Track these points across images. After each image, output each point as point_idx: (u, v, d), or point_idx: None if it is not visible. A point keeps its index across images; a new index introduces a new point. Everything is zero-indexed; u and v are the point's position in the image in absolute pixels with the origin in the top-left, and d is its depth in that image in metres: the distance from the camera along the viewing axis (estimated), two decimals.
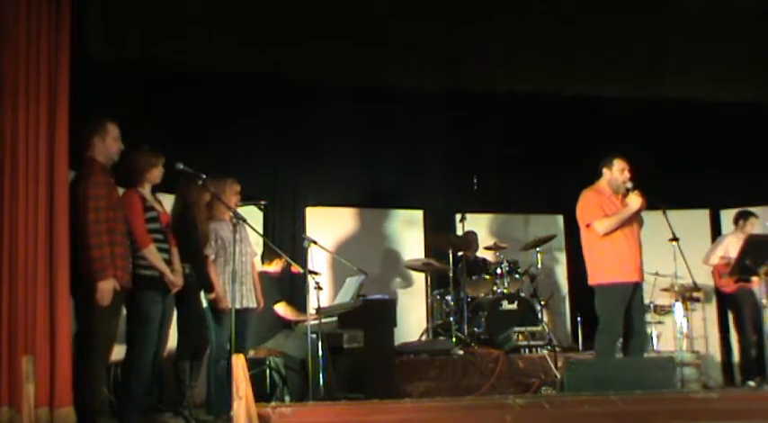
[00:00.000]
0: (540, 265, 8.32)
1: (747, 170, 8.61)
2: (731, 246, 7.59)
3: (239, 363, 4.19)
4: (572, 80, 8.53)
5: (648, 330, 7.93)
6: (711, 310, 8.84)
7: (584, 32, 7.39)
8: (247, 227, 5.73)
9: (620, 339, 6.06)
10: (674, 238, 6.69)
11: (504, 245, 8.34)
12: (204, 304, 5.65)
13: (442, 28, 7.26)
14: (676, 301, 7.95)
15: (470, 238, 8.36)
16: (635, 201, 5.93)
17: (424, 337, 8.00)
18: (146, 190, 5.20)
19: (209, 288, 5.60)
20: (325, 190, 8.56)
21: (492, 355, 7.04)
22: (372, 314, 6.41)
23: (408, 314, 8.26)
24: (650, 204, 6.12)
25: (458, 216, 8.42)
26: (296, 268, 6.42)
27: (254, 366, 6.09)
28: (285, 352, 6.44)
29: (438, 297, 8.10)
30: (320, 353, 5.77)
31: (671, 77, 8.41)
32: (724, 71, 8.12)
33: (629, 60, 8.02)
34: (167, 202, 5.64)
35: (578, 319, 8.28)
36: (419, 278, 8.56)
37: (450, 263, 7.86)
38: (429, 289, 8.31)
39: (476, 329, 7.66)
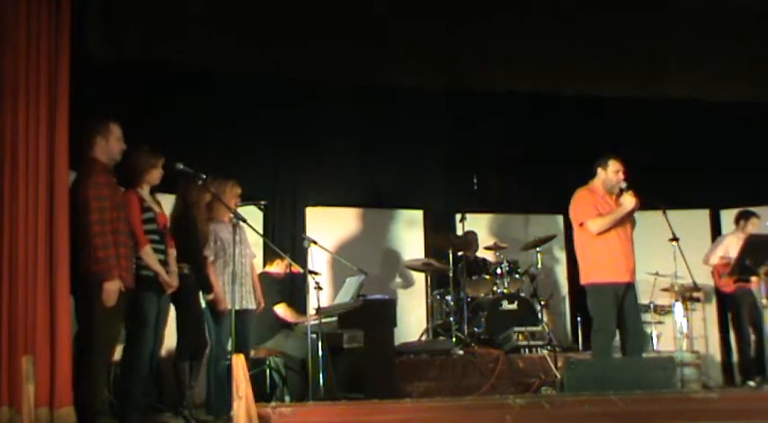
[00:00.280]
0: (540, 265, 8.32)
1: (747, 170, 8.61)
2: (731, 246, 7.58)
3: (239, 363, 4.19)
4: (572, 80, 8.53)
5: (648, 330, 7.94)
6: (711, 310, 8.84)
7: (584, 32, 7.39)
8: (247, 228, 5.73)
9: (617, 339, 6.06)
10: (674, 238, 6.69)
11: (504, 245, 8.34)
12: (203, 305, 5.65)
13: (442, 28, 7.26)
14: (676, 301, 7.96)
15: (470, 238, 8.36)
16: (629, 201, 5.93)
17: (424, 337, 7.99)
18: (144, 191, 5.20)
19: (207, 289, 5.60)
20: (326, 190, 8.56)
21: (492, 355, 7.04)
22: (372, 314, 6.41)
23: (408, 314, 8.26)
24: (650, 204, 6.12)
25: (458, 216, 8.42)
26: (296, 268, 6.42)
27: (254, 366, 6.10)
28: (285, 352, 6.45)
29: (438, 297, 8.10)
30: (320, 353, 5.78)
31: (671, 77, 8.41)
32: (724, 71, 8.12)
33: (629, 60, 8.02)
34: (167, 202, 5.64)
35: (578, 319, 8.28)
36: (419, 278, 8.56)
37: (450, 263, 7.86)
38: (429, 289, 8.31)
39: (476, 329, 7.66)
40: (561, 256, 9.14)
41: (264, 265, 6.83)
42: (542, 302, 8.09)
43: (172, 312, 5.56)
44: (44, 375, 4.21)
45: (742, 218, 7.95)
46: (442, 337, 7.64)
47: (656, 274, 7.97)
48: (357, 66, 7.88)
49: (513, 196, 9.23)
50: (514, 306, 7.73)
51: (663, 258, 7.24)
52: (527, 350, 7.33)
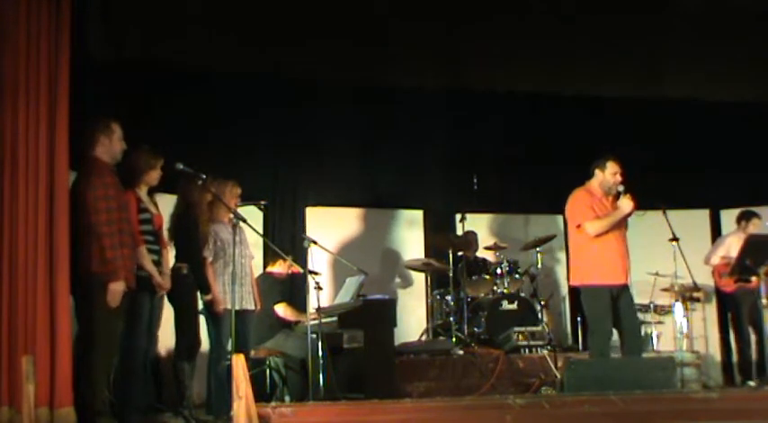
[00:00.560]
0: (540, 265, 8.32)
1: (747, 170, 8.61)
2: (732, 246, 7.57)
3: (239, 363, 4.19)
4: (572, 80, 8.53)
5: (648, 330, 7.94)
6: (711, 310, 8.84)
7: (584, 32, 7.39)
8: (247, 228, 5.72)
9: (615, 339, 6.06)
10: (674, 238, 6.70)
11: (504, 245, 8.34)
12: (200, 306, 5.65)
13: (442, 28, 7.26)
14: (676, 301, 7.96)
15: (470, 238, 8.36)
16: (627, 204, 5.92)
17: (424, 337, 7.99)
18: (142, 191, 5.21)
19: (205, 290, 5.60)
20: (326, 190, 8.56)
21: (492, 355, 7.04)
22: (372, 314, 6.40)
23: (408, 314, 8.26)
24: (650, 204, 6.13)
25: (458, 216, 8.42)
26: (296, 268, 6.42)
27: (254, 366, 6.10)
28: (285, 352, 6.45)
29: (438, 297, 8.10)
30: (320, 353, 5.78)
31: (671, 77, 8.41)
32: (724, 71, 8.12)
33: (629, 60, 8.02)
34: (168, 202, 5.64)
35: (578, 319, 8.27)
36: (419, 278, 8.56)
37: (450, 263, 7.86)
38: (429, 289, 8.31)
39: (476, 329, 7.66)
40: (561, 256, 9.12)
41: (265, 266, 6.83)
42: (542, 302, 8.09)
43: (168, 312, 5.56)
44: (44, 375, 4.21)
45: (743, 218, 7.94)
46: (442, 337, 7.64)
47: (656, 274, 7.97)
48: (357, 66, 7.88)
49: (513, 196, 9.23)
50: (514, 306, 7.73)
51: (663, 258, 7.24)
52: (527, 350, 7.33)
